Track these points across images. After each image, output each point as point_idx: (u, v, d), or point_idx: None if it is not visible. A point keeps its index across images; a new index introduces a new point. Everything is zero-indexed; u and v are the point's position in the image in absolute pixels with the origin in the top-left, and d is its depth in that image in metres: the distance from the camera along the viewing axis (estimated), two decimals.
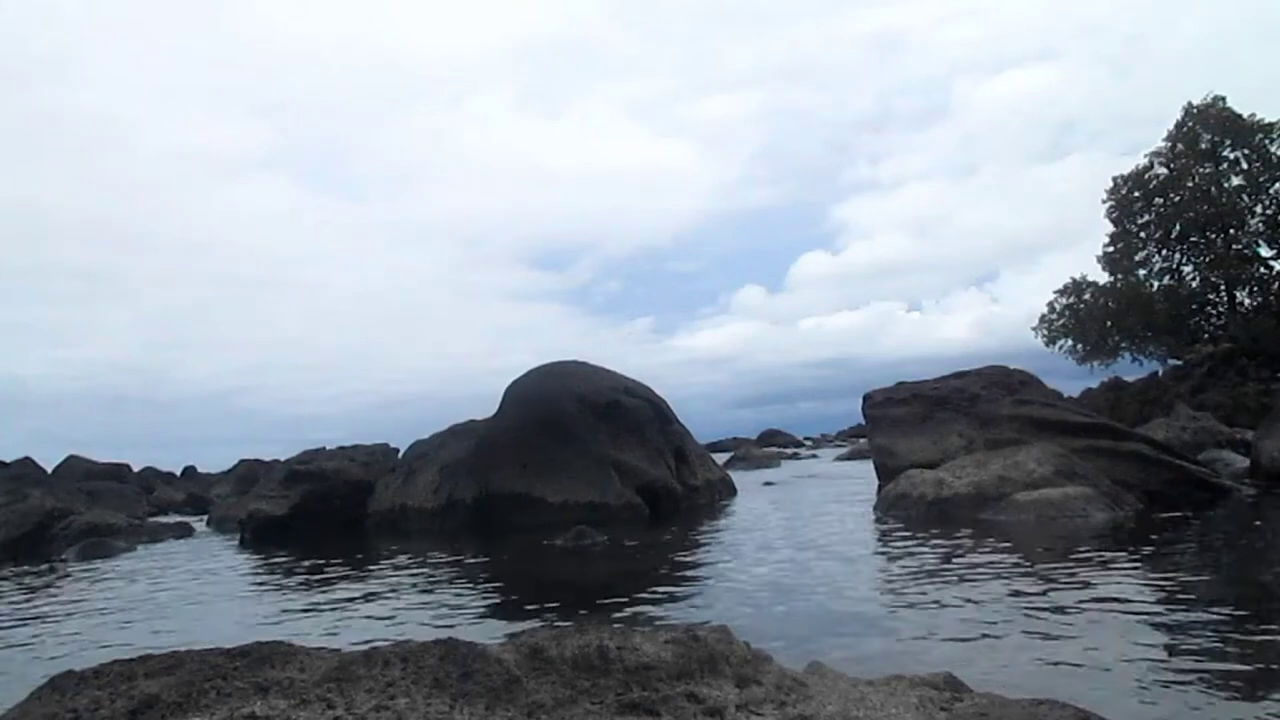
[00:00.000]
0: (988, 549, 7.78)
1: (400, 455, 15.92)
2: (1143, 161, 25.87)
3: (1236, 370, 21.92)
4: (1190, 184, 24.87)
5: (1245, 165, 24.46)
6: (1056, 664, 4.08)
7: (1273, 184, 24.03)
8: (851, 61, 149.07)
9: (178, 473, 35.42)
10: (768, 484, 18.55)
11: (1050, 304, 27.28)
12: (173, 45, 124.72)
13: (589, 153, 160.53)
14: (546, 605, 6.77)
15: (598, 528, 10.30)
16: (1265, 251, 24.69)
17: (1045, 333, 27.25)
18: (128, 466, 30.52)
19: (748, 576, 7.33)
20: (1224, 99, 24.71)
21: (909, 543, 8.59)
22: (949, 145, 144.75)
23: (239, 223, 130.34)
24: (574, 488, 12.59)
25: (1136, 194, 25.81)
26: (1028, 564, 6.96)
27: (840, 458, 30.67)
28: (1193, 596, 5.47)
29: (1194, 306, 25.21)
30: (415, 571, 9.26)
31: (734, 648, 3.00)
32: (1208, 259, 25.02)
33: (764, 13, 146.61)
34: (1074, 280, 26.87)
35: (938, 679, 2.96)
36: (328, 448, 16.37)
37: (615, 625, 3.13)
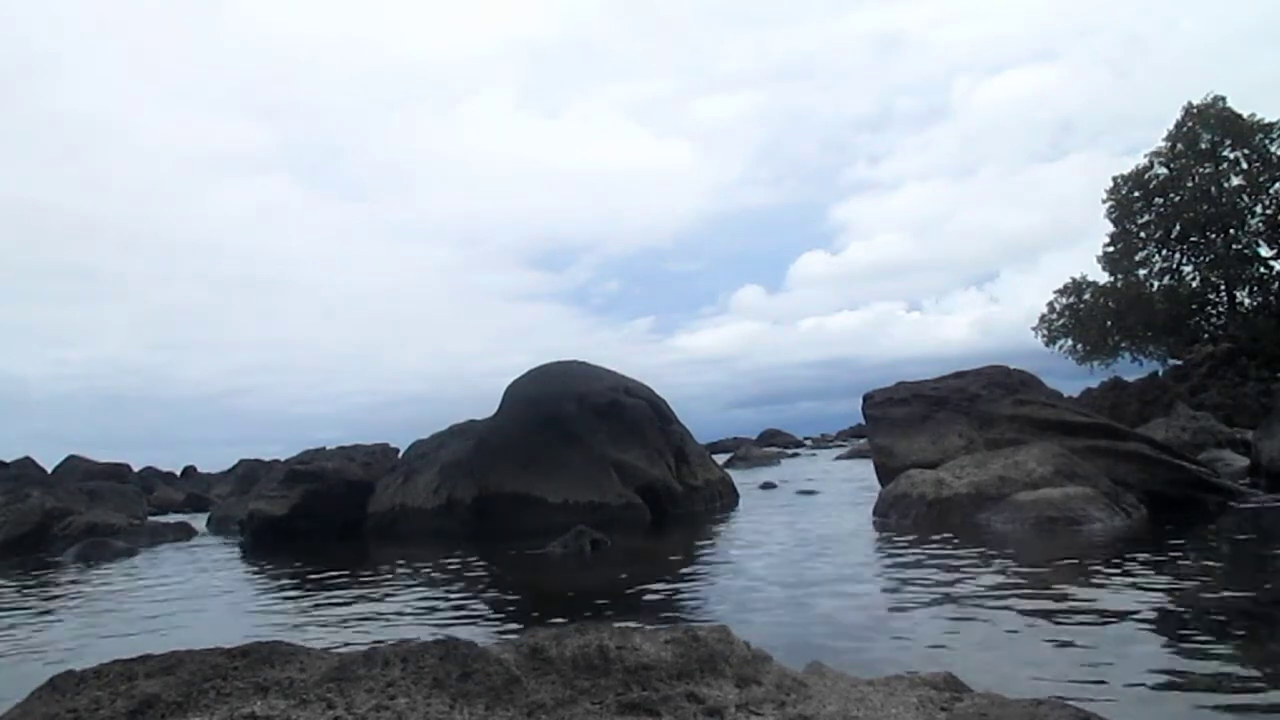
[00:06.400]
0: (987, 549, 7.78)
1: (400, 455, 15.91)
2: (1143, 161, 25.93)
3: (1236, 370, 21.92)
4: (1190, 184, 24.89)
5: (1245, 165, 24.48)
6: (1056, 664, 4.08)
7: (1273, 184, 24.04)
8: (851, 61, 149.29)
9: (178, 473, 35.46)
10: (767, 484, 18.55)
11: (1050, 304, 27.34)
12: (172, 45, 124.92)
13: (589, 153, 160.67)
14: (546, 605, 6.77)
15: (598, 528, 10.29)
16: (1265, 251, 24.73)
17: (1045, 333, 27.28)
18: (128, 466, 30.56)
19: (747, 576, 7.33)
20: (1224, 99, 24.75)
21: (908, 543, 8.59)
22: (949, 145, 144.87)
23: (239, 223, 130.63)
24: (574, 488, 12.58)
25: (1136, 194, 25.83)
26: (1028, 564, 6.96)
27: (840, 457, 30.67)
28: (1193, 597, 5.47)
29: (1194, 306, 25.22)
30: (415, 571, 9.27)
31: (734, 647, 2.99)
32: (1208, 259, 25.04)
33: (764, 13, 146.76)
34: (1074, 280, 26.91)
35: (938, 679, 2.95)
36: (328, 448, 16.37)
37: (615, 625, 3.12)
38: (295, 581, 9.41)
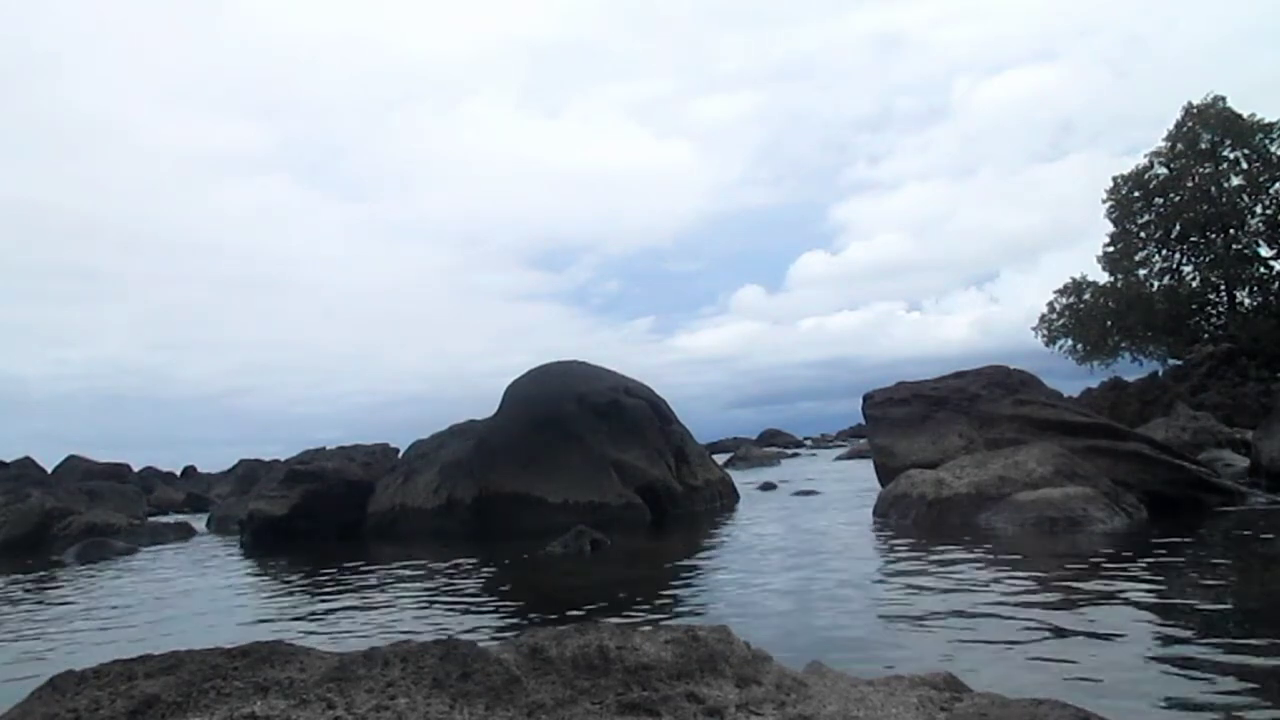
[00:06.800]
0: (987, 549, 7.78)
1: (400, 455, 15.92)
2: (1143, 161, 25.93)
3: (1236, 370, 21.92)
4: (1190, 184, 24.88)
5: (1245, 165, 24.48)
6: (1056, 664, 4.08)
7: (1273, 184, 24.04)
8: (851, 61, 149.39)
9: (178, 473, 35.47)
10: (767, 484, 18.55)
11: (1050, 304, 27.34)
12: (172, 45, 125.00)
13: (589, 153, 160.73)
14: (546, 605, 6.77)
15: (598, 528, 10.30)
16: (1265, 251, 24.73)
17: (1045, 333, 27.28)
18: (128, 466, 30.58)
19: (747, 576, 7.33)
20: (1224, 99, 24.74)
21: (908, 542, 8.59)
22: (949, 145, 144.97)
23: (239, 223, 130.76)
24: (574, 488, 12.58)
25: (1136, 194, 25.82)
26: (1028, 564, 6.96)
27: (840, 457, 30.68)
28: (1194, 597, 5.47)
29: (1194, 306, 25.22)
30: (415, 572, 9.27)
31: (734, 647, 2.99)
32: (1208, 259, 25.04)
33: (764, 13, 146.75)
34: (1074, 280, 26.90)
35: (938, 679, 2.95)
36: (328, 448, 16.39)
37: (615, 625, 3.12)
38: (295, 581, 9.41)
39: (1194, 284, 25.27)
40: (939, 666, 3.29)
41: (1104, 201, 26.54)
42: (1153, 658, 4.09)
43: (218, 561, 11.97)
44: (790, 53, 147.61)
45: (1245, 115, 24.27)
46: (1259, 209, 24.43)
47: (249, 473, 27.61)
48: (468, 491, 13.29)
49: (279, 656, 2.82)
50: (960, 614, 5.28)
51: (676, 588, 7.18)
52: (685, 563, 8.61)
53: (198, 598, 8.53)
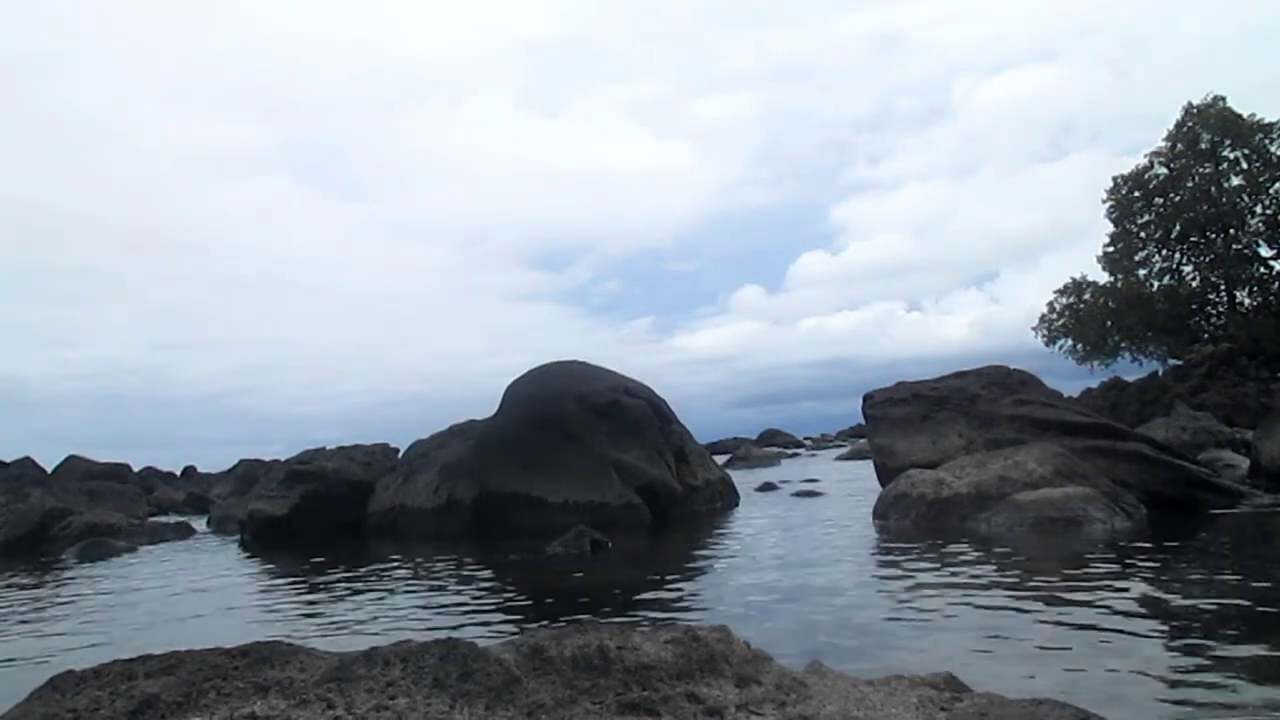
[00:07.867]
0: (987, 549, 7.78)
1: (400, 455, 15.92)
2: (1143, 161, 25.90)
3: (1236, 370, 21.92)
4: (1190, 184, 24.87)
5: (1245, 165, 24.46)
6: (1057, 665, 4.08)
7: (1273, 184, 24.02)
8: (851, 61, 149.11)
9: (178, 473, 35.44)
10: (767, 484, 18.55)
11: (1050, 304, 27.31)
12: (172, 45, 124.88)
13: (589, 153, 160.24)
14: (546, 605, 6.78)
15: (597, 528, 10.29)
16: (1265, 251, 24.71)
17: (1045, 333, 27.25)
18: (128, 466, 30.56)
19: (747, 576, 7.33)
20: (1224, 99, 24.72)
21: (908, 543, 8.59)
22: (949, 145, 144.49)
23: (239, 223, 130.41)
24: (574, 488, 12.58)
25: (1136, 194, 25.81)
26: (1027, 565, 6.96)
27: (840, 458, 30.68)
28: (1193, 597, 5.47)
29: (1194, 306, 25.20)
30: (415, 572, 9.27)
31: (734, 647, 3.00)
32: (1208, 259, 25.02)
33: (764, 13, 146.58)
34: (1074, 280, 26.88)
35: (938, 679, 2.95)
36: (328, 448, 16.37)
37: (615, 625, 3.12)
38: (295, 581, 9.41)
39: (1194, 284, 25.26)
40: (939, 666, 3.29)
41: (1104, 201, 26.53)
42: (1152, 658, 4.10)
43: (218, 561, 11.96)
44: (790, 53, 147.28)
45: (1245, 115, 24.25)
46: (1259, 209, 24.41)
47: (249, 473, 27.59)
48: (468, 491, 13.29)
49: (279, 656, 2.83)
50: (960, 614, 5.28)
51: (676, 588, 7.18)
52: (685, 563, 8.61)
53: (198, 598, 8.53)
